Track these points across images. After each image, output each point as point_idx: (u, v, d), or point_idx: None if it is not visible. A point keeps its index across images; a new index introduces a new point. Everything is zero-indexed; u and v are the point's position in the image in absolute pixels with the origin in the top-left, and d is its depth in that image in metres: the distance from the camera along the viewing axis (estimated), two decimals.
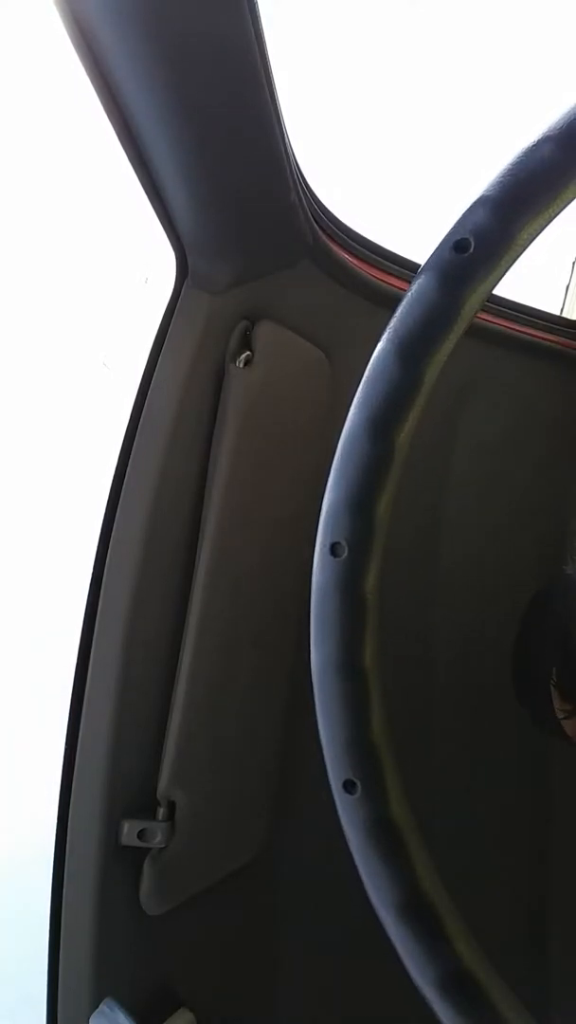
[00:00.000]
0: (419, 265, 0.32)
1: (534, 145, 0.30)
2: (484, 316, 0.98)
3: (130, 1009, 0.68)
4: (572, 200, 0.30)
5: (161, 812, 0.74)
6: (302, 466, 0.80)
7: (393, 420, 0.31)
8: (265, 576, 0.81)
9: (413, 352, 0.31)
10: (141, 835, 0.72)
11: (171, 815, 0.74)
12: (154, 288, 0.74)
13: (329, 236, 0.79)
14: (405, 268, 0.87)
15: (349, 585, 0.32)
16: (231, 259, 0.71)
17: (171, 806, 0.74)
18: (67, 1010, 0.74)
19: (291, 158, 0.66)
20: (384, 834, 0.31)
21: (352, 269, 0.83)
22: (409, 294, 0.32)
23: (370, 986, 0.90)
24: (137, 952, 0.77)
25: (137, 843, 0.72)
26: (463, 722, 1.07)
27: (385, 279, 0.86)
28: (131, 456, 0.72)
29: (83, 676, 0.72)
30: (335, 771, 0.32)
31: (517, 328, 1.02)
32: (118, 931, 0.74)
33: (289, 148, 0.65)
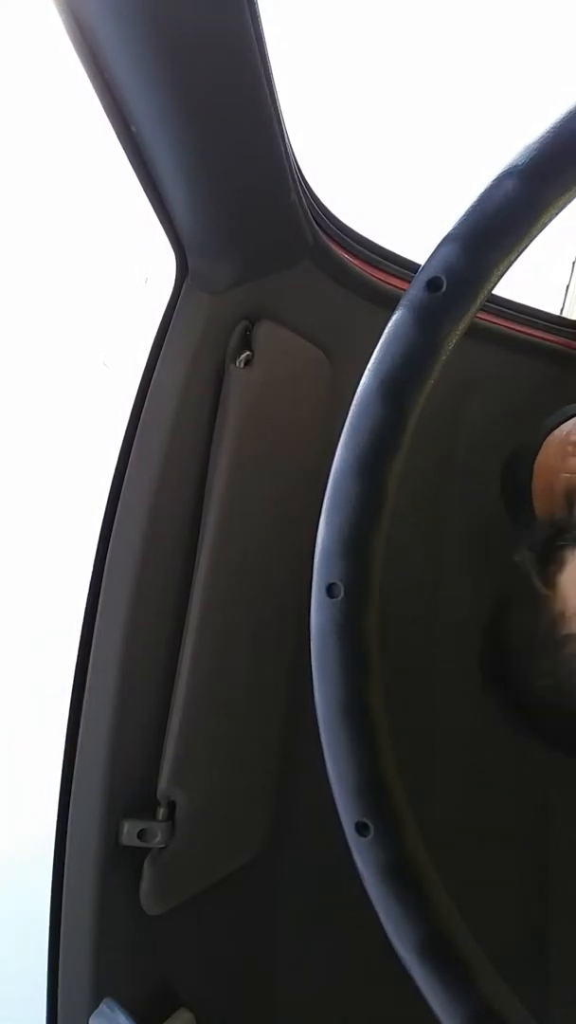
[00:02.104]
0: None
1: (497, 181, 0.30)
2: (484, 316, 0.98)
3: (130, 1009, 0.68)
4: (539, 233, 0.30)
5: (161, 812, 0.74)
6: (302, 465, 0.80)
7: (381, 458, 0.32)
8: (265, 576, 0.81)
9: (396, 391, 0.31)
10: (141, 835, 0.72)
11: (171, 815, 0.74)
12: (154, 288, 0.74)
13: (329, 236, 0.79)
14: (405, 268, 0.87)
15: (348, 626, 0.32)
16: (231, 259, 0.71)
17: (171, 806, 0.74)
18: (67, 1010, 0.74)
19: (291, 158, 0.66)
20: (400, 876, 0.31)
21: (352, 269, 0.83)
22: (387, 332, 0.32)
23: (370, 986, 0.90)
24: (137, 952, 0.77)
25: (137, 843, 0.72)
26: (464, 734, 1.07)
27: (385, 279, 0.86)
28: (131, 456, 0.71)
29: (83, 676, 0.72)
30: (347, 815, 0.32)
31: (517, 328, 1.02)
32: (118, 931, 0.74)
33: (289, 148, 0.65)
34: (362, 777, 0.31)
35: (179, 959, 0.82)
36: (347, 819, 0.31)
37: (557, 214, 0.30)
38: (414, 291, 0.31)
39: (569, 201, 0.30)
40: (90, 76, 0.56)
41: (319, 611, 0.32)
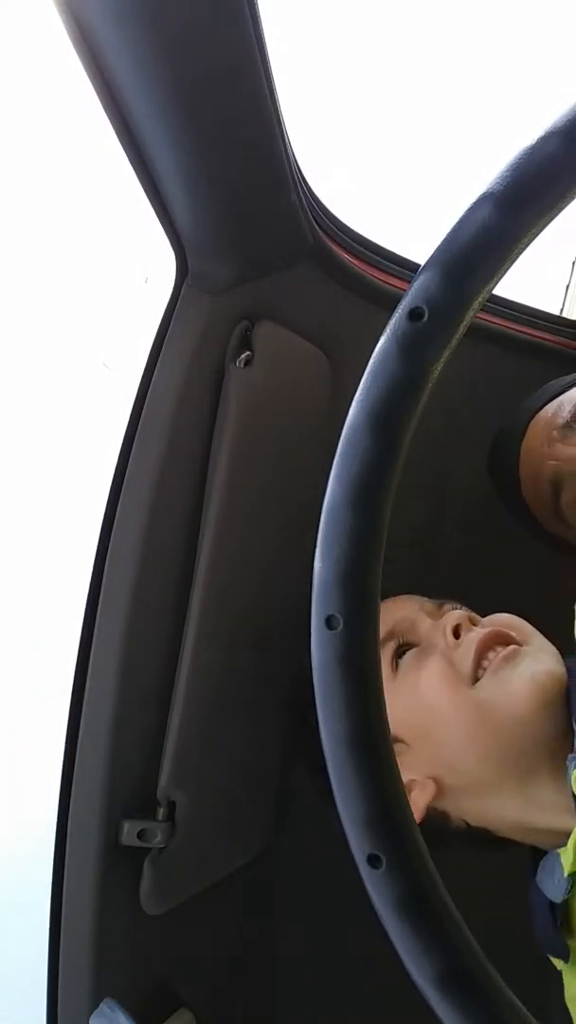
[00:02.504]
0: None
1: (472, 208, 0.31)
2: (484, 316, 0.98)
3: (130, 1009, 0.68)
4: (518, 258, 0.31)
5: (161, 812, 0.74)
6: (302, 465, 0.80)
7: (372, 489, 0.32)
8: (265, 575, 0.81)
9: (384, 422, 0.32)
10: (141, 835, 0.72)
11: (171, 815, 0.74)
12: (154, 288, 0.74)
13: (329, 236, 0.79)
14: (405, 268, 0.87)
15: (349, 658, 0.32)
16: (231, 259, 0.71)
17: (171, 806, 0.74)
18: (67, 1010, 0.74)
19: (291, 158, 0.66)
20: (415, 908, 0.31)
21: (352, 269, 0.83)
22: (372, 362, 0.32)
23: (370, 986, 0.90)
24: (137, 952, 0.77)
25: (137, 843, 0.72)
26: None
27: (385, 279, 0.86)
28: (131, 456, 0.71)
29: (83, 676, 0.72)
30: (357, 847, 0.32)
31: (517, 328, 1.02)
32: (118, 931, 0.74)
33: (289, 148, 0.65)
34: (371, 809, 0.31)
35: (179, 959, 0.82)
36: (358, 852, 0.31)
37: (535, 239, 0.31)
38: (397, 320, 0.31)
39: (546, 226, 0.31)
40: (90, 76, 0.56)
41: (319, 644, 0.32)
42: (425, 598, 0.76)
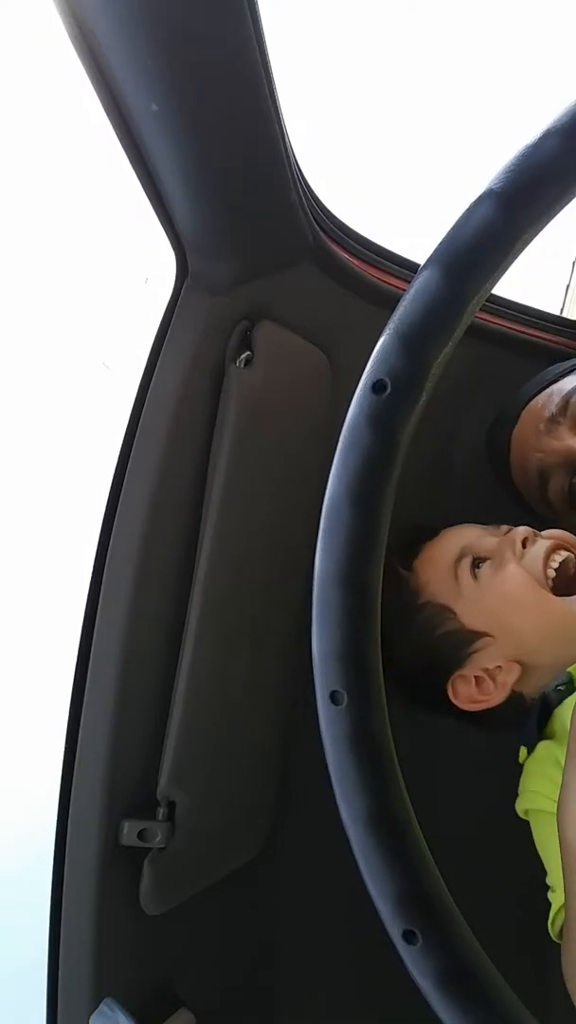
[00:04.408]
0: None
1: (424, 279, 0.31)
2: (484, 316, 0.98)
3: (130, 1009, 0.68)
4: (468, 323, 0.32)
5: (161, 812, 0.74)
6: (301, 465, 0.80)
7: (359, 564, 0.32)
8: (266, 576, 0.81)
9: (362, 497, 0.32)
10: (141, 835, 0.72)
11: (171, 815, 0.74)
12: (154, 288, 0.74)
13: (329, 236, 0.79)
14: (405, 268, 0.87)
15: (357, 732, 0.32)
16: (231, 259, 0.71)
17: (171, 806, 0.74)
18: (67, 1010, 0.74)
19: (291, 158, 0.66)
20: (457, 983, 0.30)
21: (352, 269, 0.83)
22: (344, 436, 0.33)
23: (370, 986, 0.90)
24: (137, 952, 0.77)
25: (137, 843, 0.72)
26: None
27: (385, 279, 0.86)
28: (131, 456, 0.71)
29: (83, 676, 0.72)
30: (392, 924, 0.31)
31: (517, 328, 1.02)
32: (118, 931, 0.74)
33: (289, 148, 0.65)
34: (403, 887, 0.31)
35: (179, 959, 0.82)
36: (393, 929, 0.31)
37: (481, 302, 0.32)
38: (362, 393, 0.32)
39: (489, 290, 0.32)
40: (90, 76, 0.56)
41: (327, 720, 0.33)
42: (479, 524, 0.86)
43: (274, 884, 0.93)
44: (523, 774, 0.76)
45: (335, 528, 0.32)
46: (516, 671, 0.77)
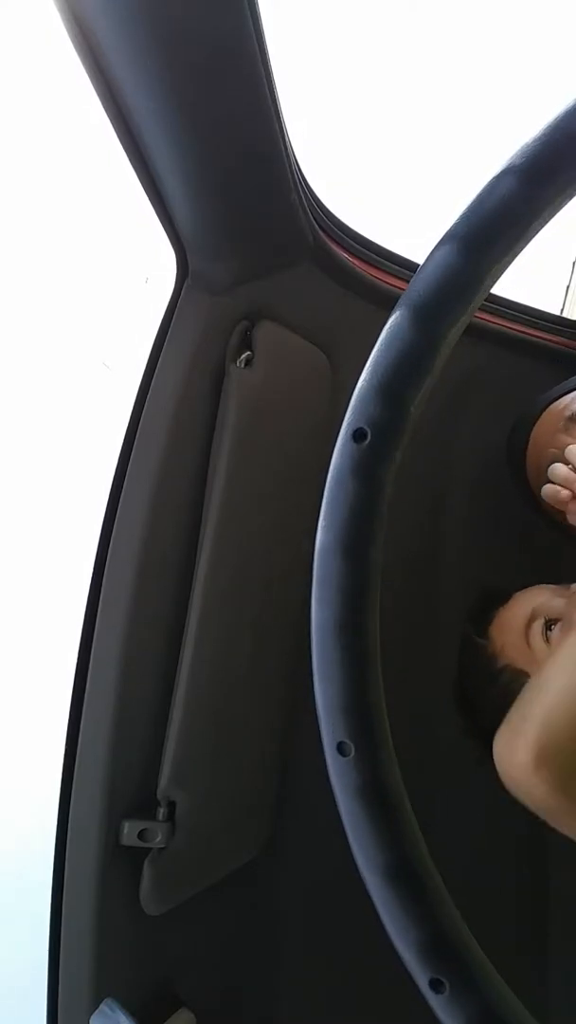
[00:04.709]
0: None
1: (396, 328, 0.32)
2: (484, 316, 0.98)
3: (130, 1009, 0.68)
4: (440, 369, 0.32)
5: (161, 812, 0.74)
6: (301, 465, 0.80)
7: (356, 614, 0.33)
8: (265, 576, 0.81)
9: (352, 545, 0.33)
10: (141, 835, 0.72)
11: (171, 815, 0.74)
12: (154, 288, 0.74)
13: (329, 236, 0.79)
14: (405, 268, 0.87)
15: (366, 783, 0.32)
16: (231, 259, 0.71)
17: (171, 806, 0.74)
18: (67, 1010, 0.74)
19: (291, 158, 0.66)
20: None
21: (352, 269, 0.83)
22: (328, 486, 0.33)
23: (370, 986, 0.90)
24: (137, 952, 0.77)
25: (137, 843, 0.72)
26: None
27: (385, 279, 0.86)
28: (132, 455, 0.71)
29: (83, 676, 0.72)
30: (419, 973, 0.32)
31: (517, 328, 1.02)
32: (118, 931, 0.74)
33: (289, 148, 0.65)
34: (427, 936, 0.31)
35: (179, 959, 0.82)
36: (420, 978, 0.31)
37: (450, 350, 0.32)
38: (343, 442, 0.33)
39: (462, 328, 0.32)
40: (90, 76, 0.56)
41: (336, 772, 0.33)
42: (550, 584, 0.88)
43: (274, 884, 0.93)
44: None
45: (326, 576, 0.33)
46: None
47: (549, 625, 0.80)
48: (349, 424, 0.32)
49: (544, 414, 0.94)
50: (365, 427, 0.32)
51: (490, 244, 0.30)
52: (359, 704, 0.32)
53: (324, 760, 0.33)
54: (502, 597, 0.86)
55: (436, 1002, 0.31)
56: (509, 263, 0.31)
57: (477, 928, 0.33)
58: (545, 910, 1.14)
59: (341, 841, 0.33)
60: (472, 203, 0.31)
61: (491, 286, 0.31)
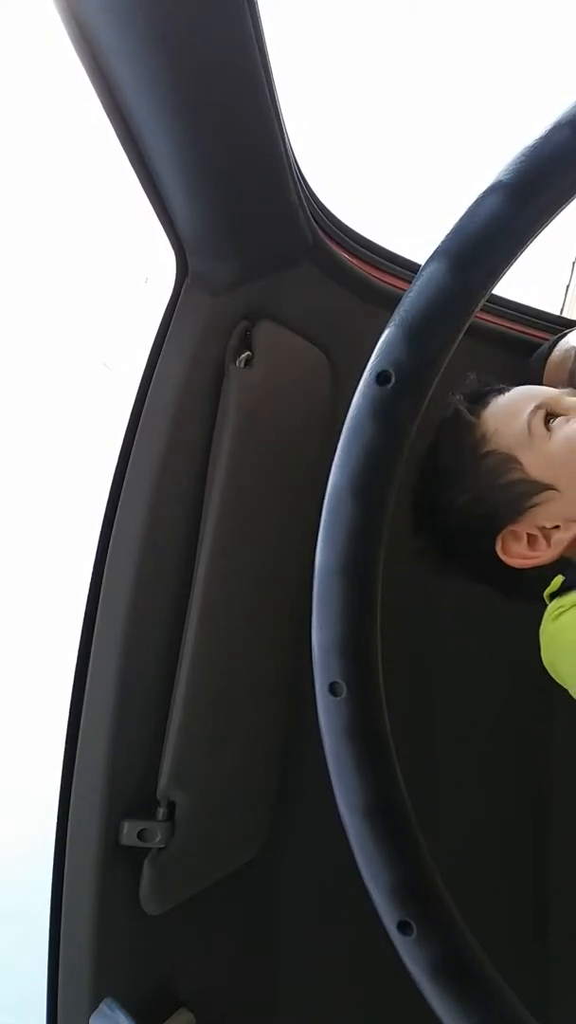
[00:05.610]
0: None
1: (430, 271, 0.31)
2: (484, 316, 0.98)
3: (130, 1009, 0.68)
4: (471, 317, 0.31)
5: (161, 812, 0.74)
6: (301, 465, 0.80)
7: (361, 556, 0.32)
8: (265, 576, 0.81)
9: (365, 489, 0.32)
10: (141, 835, 0.72)
11: (171, 815, 0.74)
12: (154, 288, 0.74)
13: (329, 236, 0.79)
14: (405, 268, 0.87)
15: (355, 724, 0.32)
16: (231, 259, 0.71)
17: (171, 806, 0.74)
18: (67, 1010, 0.74)
19: (291, 158, 0.67)
20: (449, 972, 0.31)
21: (352, 269, 0.83)
22: (347, 427, 0.33)
23: (370, 986, 0.90)
24: (137, 952, 0.77)
25: (137, 843, 0.72)
26: (464, 718, 1.07)
27: (385, 279, 0.86)
28: (131, 455, 0.72)
29: (83, 676, 0.72)
30: (387, 914, 0.32)
31: (517, 328, 1.02)
32: (118, 931, 0.74)
33: (289, 148, 0.65)
34: (399, 877, 0.31)
35: (179, 959, 0.82)
36: (388, 919, 0.31)
37: (487, 295, 0.31)
38: (366, 383, 0.32)
39: (496, 283, 0.31)
40: (90, 77, 0.56)
41: (325, 711, 0.33)
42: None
43: (274, 884, 0.93)
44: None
45: (337, 520, 0.32)
46: (573, 531, 0.75)
47: (550, 418, 0.79)
48: (373, 367, 0.32)
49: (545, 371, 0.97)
50: (390, 369, 0.31)
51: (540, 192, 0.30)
52: (355, 646, 0.32)
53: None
54: (502, 388, 0.83)
55: (402, 944, 0.31)
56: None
57: (476, 924, 0.33)
58: (546, 906, 1.14)
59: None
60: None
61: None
